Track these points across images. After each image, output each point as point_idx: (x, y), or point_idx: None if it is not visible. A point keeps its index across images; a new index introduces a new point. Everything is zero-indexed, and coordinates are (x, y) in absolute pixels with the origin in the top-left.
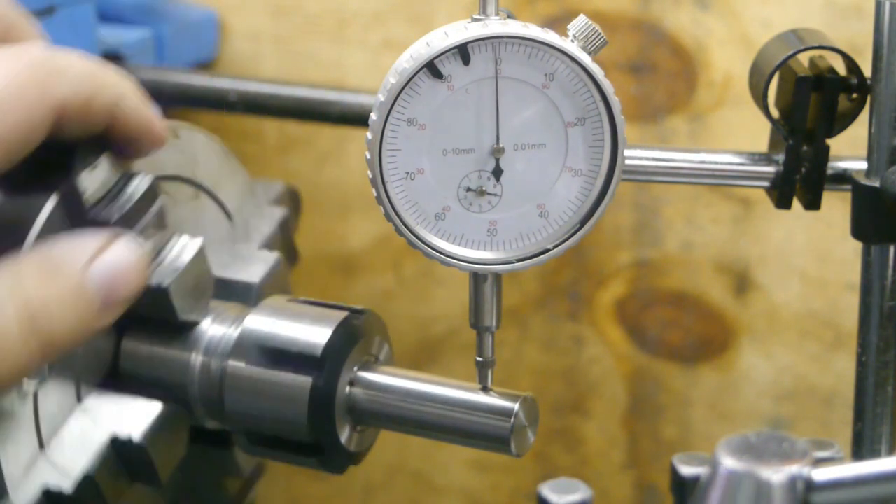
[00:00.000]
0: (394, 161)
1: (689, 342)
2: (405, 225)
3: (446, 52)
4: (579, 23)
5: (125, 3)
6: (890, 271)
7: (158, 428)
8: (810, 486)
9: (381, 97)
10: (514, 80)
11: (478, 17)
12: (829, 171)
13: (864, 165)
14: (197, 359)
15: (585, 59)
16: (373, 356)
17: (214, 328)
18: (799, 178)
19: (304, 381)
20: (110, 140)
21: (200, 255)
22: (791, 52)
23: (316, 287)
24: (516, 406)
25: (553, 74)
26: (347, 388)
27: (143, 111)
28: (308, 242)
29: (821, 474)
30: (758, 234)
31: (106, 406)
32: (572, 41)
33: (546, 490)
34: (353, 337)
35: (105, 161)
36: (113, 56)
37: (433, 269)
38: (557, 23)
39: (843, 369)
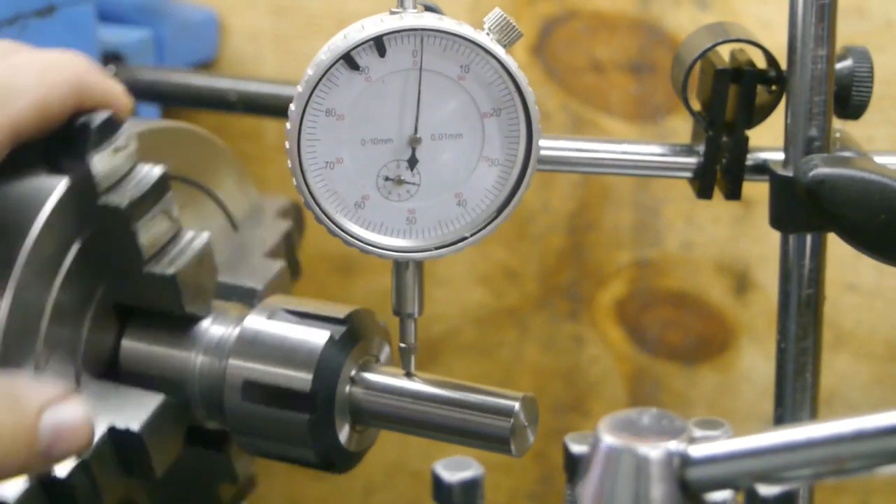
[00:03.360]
0: (313, 150)
1: (689, 342)
2: (325, 213)
3: (362, 44)
4: (494, 15)
5: (125, 3)
6: (807, 259)
7: (157, 420)
8: (686, 461)
9: (300, 88)
10: (430, 71)
11: (395, 10)
12: (749, 162)
13: (782, 156)
14: (197, 358)
15: (499, 51)
16: (373, 356)
17: (215, 328)
18: (719, 168)
19: (305, 379)
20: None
21: (207, 249)
22: (710, 45)
23: (316, 287)
24: (516, 406)
25: (469, 66)
26: (347, 388)
27: (106, 84)
28: (308, 242)
29: (697, 450)
30: (758, 234)
31: (106, 396)
32: (487, 34)
33: (439, 467)
34: (354, 337)
35: (119, 146)
36: (113, 56)
37: (433, 270)
38: (558, 23)
39: (843, 369)
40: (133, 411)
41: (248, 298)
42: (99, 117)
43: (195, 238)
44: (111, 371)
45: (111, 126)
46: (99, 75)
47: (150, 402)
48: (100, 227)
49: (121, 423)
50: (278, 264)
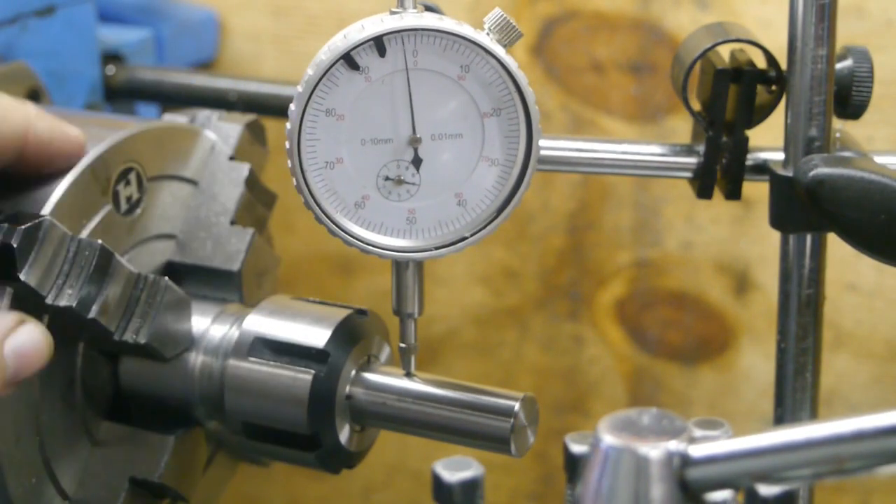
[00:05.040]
0: (313, 150)
1: (689, 342)
2: (325, 213)
3: (362, 44)
4: (494, 15)
5: (125, 3)
6: (807, 259)
7: (174, 461)
8: (686, 461)
9: (300, 88)
10: (430, 71)
11: (396, 10)
12: (750, 162)
13: (782, 156)
14: (197, 359)
15: (499, 51)
16: (373, 356)
17: (215, 328)
18: (719, 168)
19: (305, 378)
20: (28, 161)
21: (171, 298)
22: (710, 45)
23: (316, 287)
24: (516, 406)
25: (469, 66)
26: (347, 388)
27: (55, 128)
28: (308, 242)
29: (697, 450)
30: (758, 234)
31: (119, 444)
32: (487, 34)
33: (439, 467)
34: (354, 337)
35: (46, 245)
36: (113, 56)
37: (433, 270)
38: (558, 23)
39: (843, 369)
40: (149, 458)
41: (226, 281)
42: (15, 234)
43: (156, 287)
44: (111, 370)
45: (32, 233)
46: (46, 121)
47: (165, 445)
48: (59, 317)
49: (140, 475)
50: (248, 235)
